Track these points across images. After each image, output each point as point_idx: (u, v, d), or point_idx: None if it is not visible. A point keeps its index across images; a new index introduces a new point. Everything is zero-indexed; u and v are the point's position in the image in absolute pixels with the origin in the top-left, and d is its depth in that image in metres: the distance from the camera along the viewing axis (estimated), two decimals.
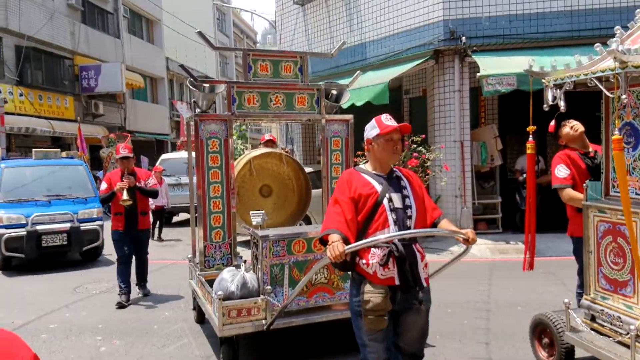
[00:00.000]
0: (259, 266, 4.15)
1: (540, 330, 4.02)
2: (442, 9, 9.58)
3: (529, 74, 3.65)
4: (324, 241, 2.66)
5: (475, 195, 10.08)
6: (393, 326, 2.71)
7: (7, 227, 8.01)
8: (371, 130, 2.81)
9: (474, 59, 9.31)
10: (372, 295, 2.62)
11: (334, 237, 2.54)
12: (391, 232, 2.63)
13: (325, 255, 2.52)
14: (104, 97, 21.87)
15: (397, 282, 2.64)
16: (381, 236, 2.58)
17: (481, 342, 4.66)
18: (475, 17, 9.62)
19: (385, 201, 2.68)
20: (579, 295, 4.20)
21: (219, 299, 3.92)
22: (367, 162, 2.95)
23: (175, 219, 13.99)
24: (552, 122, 4.19)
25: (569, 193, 3.95)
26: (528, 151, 3.65)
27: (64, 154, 10.03)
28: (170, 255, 9.29)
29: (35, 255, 8.14)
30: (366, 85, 9.60)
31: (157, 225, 10.99)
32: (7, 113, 16.20)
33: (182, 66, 5.33)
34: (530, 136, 3.61)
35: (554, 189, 4.08)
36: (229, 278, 4.12)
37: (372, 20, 10.84)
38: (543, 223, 9.85)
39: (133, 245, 6.19)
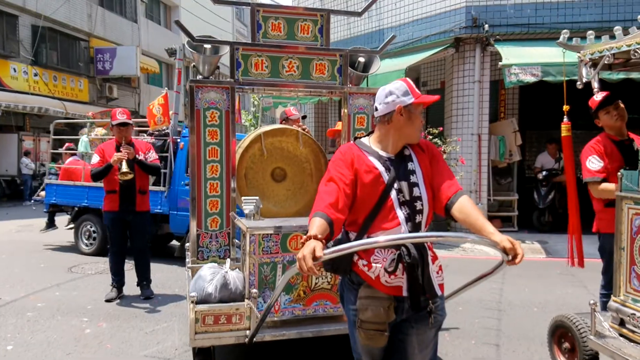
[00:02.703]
0: (246, 264, 3.45)
1: (561, 334, 3.65)
2: None
3: (562, 47, 3.26)
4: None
5: (491, 191, 9.67)
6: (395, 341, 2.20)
7: None
8: (401, 96, 2.19)
9: (497, 48, 8.88)
10: (371, 303, 2.12)
11: (313, 232, 1.95)
12: (401, 233, 2.11)
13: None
14: (118, 80, 21.73)
15: (405, 294, 2.13)
16: (377, 239, 1.99)
17: (492, 343, 4.30)
18: (500, 4, 9.18)
19: (393, 193, 2.15)
20: (604, 297, 3.82)
21: (192, 302, 3.26)
22: (369, 135, 2.35)
23: None
24: (598, 96, 3.55)
25: (602, 186, 3.52)
26: (563, 133, 3.23)
27: None
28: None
29: None
30: (382, 72, 9.21)
31: None
32: (21, 92, 16.15)
33: (177, 22, 4.65)
34: (565, 116, 3.20)
35: (584, 183, 3.65)
36: (208, 276, 3.43)
37: (390, 6, 10.44)
38: (561, 222, 9.55)
39: (129, 231, 5.35)
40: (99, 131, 13.72)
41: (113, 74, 20.78)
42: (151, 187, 6.13)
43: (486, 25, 9.05)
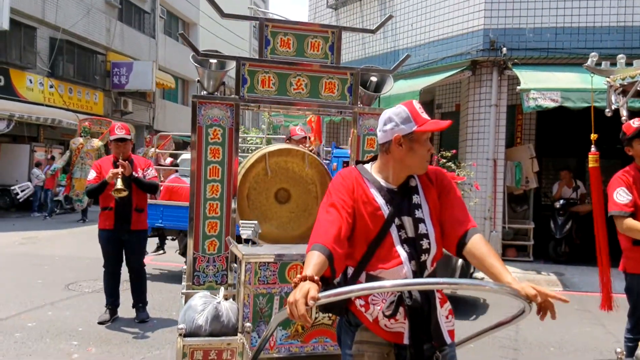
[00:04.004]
0: (240, 295, 3.21)
1: None
2: (484, 17, 8.97)
3: (591, 71, 3.01)
4: None
5: (506, 219, 9.35)
6: None
7: None
8: (401, 124, 1.94)
9: (515, 72, 8.65)
10: (368, 349, 1.89)
11: (308, 271, 1.70)
12: (404, 272, 1.88)
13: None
14: (134, 94, 21.85)
15: (406, 342, 1.88)
16: (382, 283, 1.78)
17: None
18: (519, 27, 8.97)
19: (393, 230, 1.93)
20: (629, 341, 3.53)
21: (180, 335, 3.05)
22: (372, 161, 2.11)
23: None
24: (635, 122, 3.20)
25: (628, 223, 3.24)
26: (591, 164, 2.96)
27: None
28: (177, 259, 8.79)
29: None
30: (396, 93, 9.02)
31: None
32: (36, 103, 16.23)
33: (181, 35, 4.47)
34: (593, 146, 2.93)
35: (610, 217, 3.37)
36: (199, 307, 3.18)
37: (406, 27, 10.29)
38: (578, 253, 9.19)
39: (124, 249, 5.12)
40: (96, 143, 13.71)
41: (129, 88, 20.90)
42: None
43: (504, 49, 8.84)
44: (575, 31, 8.79)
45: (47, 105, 16.74)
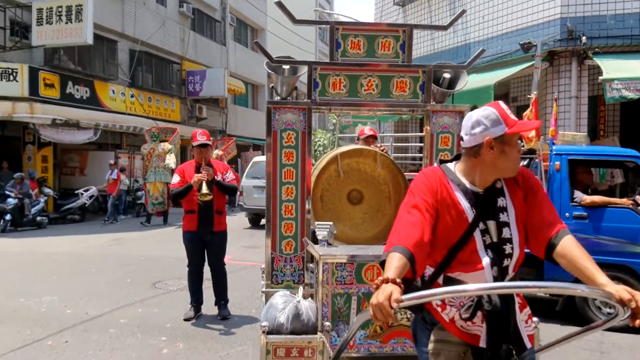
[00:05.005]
0: (319, 295, 3.27)
1: None
2: (560, 6, 8.60)
3: None
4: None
5: None
6: None
7: None
8: (492, 126, 1.87)
9: (596, 61, 8.22)
10: (444, 348, 1.89)
11: (390, 274, 1.68)
12: (485, 278, 1.85)
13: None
14: (207, 101, 22.71)
15: (482, 345, 1.85)
16: (466, 287, 1.75)
17: None
18: (599, 15, 8.53)
19: (477, 234, 1.89)
20: None
21: (263, 332, 3.17)
22: (455, 160, 2.06)
23: (263, 221, 13.93)
24: None
25: None
26: None
27: None
28: (253, 257, 9.08)
29: None
30: (469, 88, 8.82)
31: None
32: (118, 112, 17.24)
33: (256, 43, 4.61)
34: None
35: None
36: (280, 305, 3.30)
37: (478, 20, 10.03)
38: None
39: (207, 250, 5.33)
40: (166, 146, 14.26)
41: (203, 95, 21.75)
42: None
43: (583, 38, 8.43)
44: None
45: (128, 114, 17.74)
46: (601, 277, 1.71)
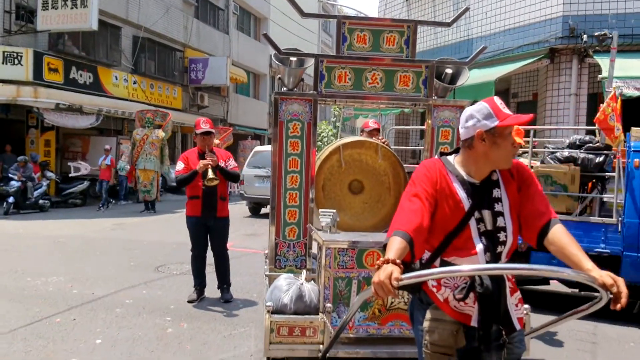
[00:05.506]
0: (321, 278, 3.47)
1: None
2: (562, 4, 8.71)
3: None
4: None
5: None
6: None
7: None
8: (483, 119, 2.01)
9: (596, 59, 8.34)
10: (438, 326, 2.03)
11: (390, 255, 1.82)
12: (478, 263, 1.98)
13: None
14: (209, 89, 22.77)
15: (474, 324, 2.01)
16: (460, 267, 1.90)
17: None
18: (600, 13, 8.64)
19: (472, 222, 2.03)
20: None
21: (268, 311, 3.36)
22: (455, 153, 2.19)
23: (263, 210, 14.09)
24: None
25: None
26: None
27: None
28: (255, 245, 9.22)
29: None
30: (470, 83, 8.93)
31: None
32: (121, 98, 17.30)
33: (265, 35, 4.69)
34: None
35: None
36: (284, 287, 3.49)
37: (481, 15, 10.13)
38: None
39: (210, 235, 5.47)
40: (160, 133, 14.17)
41: (205, 83, 21.82)
42: (594, 219, 5.45)
43: (585, 36, 8.53)
44: None
45: (130, 100, 17.80)
46: (587, 262, 1.85)
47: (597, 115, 5.51)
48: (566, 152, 5.68)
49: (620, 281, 1.76)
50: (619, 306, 1.78)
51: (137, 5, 18.41)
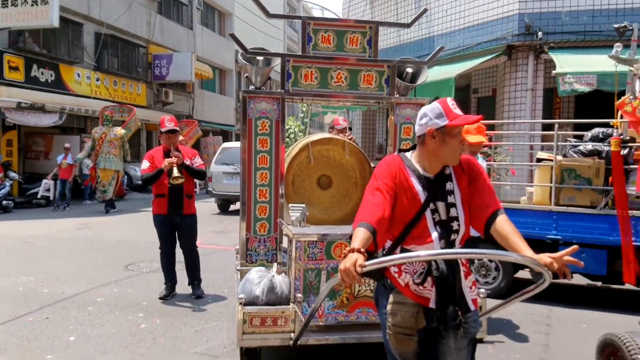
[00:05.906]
0: (292, 270, 3.59)
1: (610, 352, 3.57)
2: (518, 2, 9.06)
3: (615, 61, 3.23)
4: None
5: None
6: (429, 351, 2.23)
7: None
8: (434, 118, 2.19)
9: (551, 56, 8.73)
10: (400, 309, 2.19)
11: (355, 244, 1.99)
12: (434, 249, 2.16)
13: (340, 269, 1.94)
14: (174, 85, 22.55)
15: (432, 305, 2.19)
16: (418, 253, 2.06)
17: (538, 359, 4.25)
18: (554, 11, 9.02)
19: (428, 213, 2.20)
20: None
21: (240, 303, 3.46)
22: (412, 150, 2.35)
23: (232, 207, 14.13)
24: None
25: None
26: (613, 148, 3.18)
27: None
28: (224, 241, 9.30)
29: None
30: (432, 80, 9.21)
31: None
32: (83, 96, 17.01)
33: (232, 35, 4.75)
34: (615, 131, 3.15)
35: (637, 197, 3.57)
36: (256, 280, 3.62)
37: (441, 14, 10.43)
38: None
39: (177, 232, 5.54)
40: (119, 131, 13.87)
41: (169, 79, 21.60)
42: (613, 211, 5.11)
43: (540, 33, 8.90)
44: (613, 13, 8.78)
45: (94, 98, 17.52)
46: (528, 250, 2.07)
47: (625, 108, 5.30)
48: (590, 146, 5.52)
49: (557, 257, 1.97)
50: (568, 276, 1.99)
51: (98, 2, 18.09)
